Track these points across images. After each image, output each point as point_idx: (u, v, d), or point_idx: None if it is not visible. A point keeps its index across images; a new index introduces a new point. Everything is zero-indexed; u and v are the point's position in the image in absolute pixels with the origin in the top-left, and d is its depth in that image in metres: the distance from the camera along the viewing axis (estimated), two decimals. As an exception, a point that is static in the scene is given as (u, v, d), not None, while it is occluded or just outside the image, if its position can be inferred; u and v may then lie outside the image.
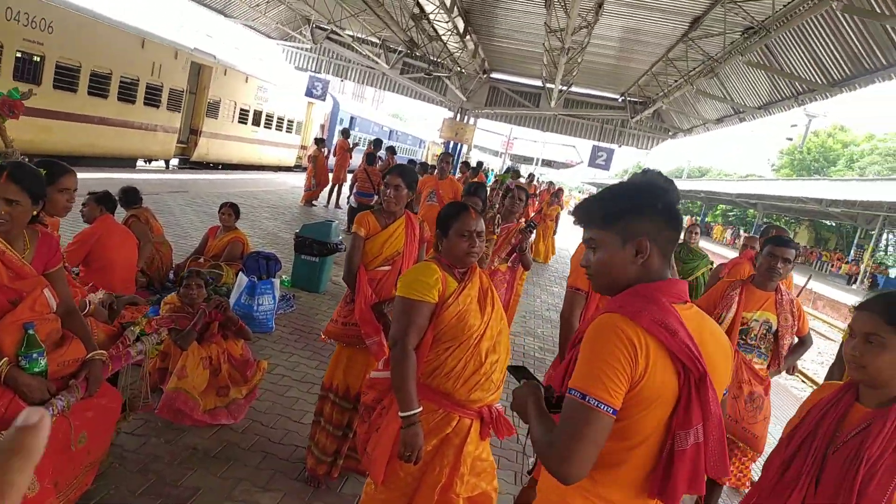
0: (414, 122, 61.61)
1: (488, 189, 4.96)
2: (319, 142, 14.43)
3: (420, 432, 2.17)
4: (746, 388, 3.41)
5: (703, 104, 15.26)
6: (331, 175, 14.06)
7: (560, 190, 16.25)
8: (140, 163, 15.66)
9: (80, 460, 2.38)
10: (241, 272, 5.36)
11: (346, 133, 14.49)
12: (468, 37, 13.60)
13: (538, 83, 17.87)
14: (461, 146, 19.59)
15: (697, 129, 16.61)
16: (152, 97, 14.38)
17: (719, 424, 1.44)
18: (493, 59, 17.53)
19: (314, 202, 14.18)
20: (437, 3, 10.49)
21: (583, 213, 1.58)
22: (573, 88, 17.72)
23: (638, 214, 1.50)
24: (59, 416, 2.19)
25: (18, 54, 10.80)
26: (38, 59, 11.19)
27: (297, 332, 5.54)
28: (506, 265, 4.93)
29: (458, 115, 19.16)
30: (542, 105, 18.63)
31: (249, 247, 6.15)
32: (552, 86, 15.43)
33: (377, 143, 12.86)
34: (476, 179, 13.66)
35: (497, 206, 4.67)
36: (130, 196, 5.79)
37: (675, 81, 13.25)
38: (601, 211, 1.54)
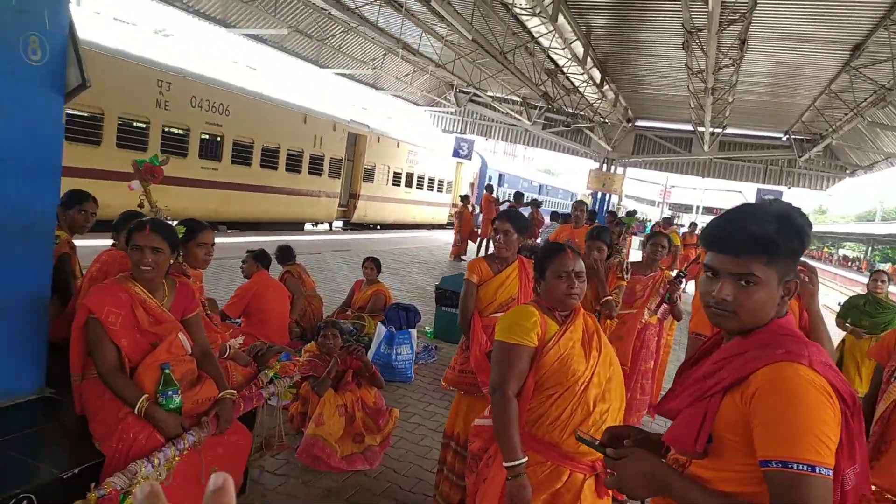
0: (565, 176, 61.64)
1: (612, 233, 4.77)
2: (465, 198, 14.88)
3: (527, 484, 2.04)
4: None
5: (883, 137, 13.62)
6: (478, 230, 14.42)
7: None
8: (307, 226, 17.14)
9: (210, 494, 2.54)
10: (381, 322, 5.56)
11: (489, 188, 14.84)
12: (606, 87, 13.45)
13: (688, 127, 17.10)
14: (608, 197, 19.14)
15: (879, 164, 14.80)
16: (315, 166, 15.80)
17: (866, 450, 1.36)
18: (636, 107, 17.14)
19: (462, 256, 14.52)
20: (570, 56, 10.52)
21: (743, 240, 1.34)
22: (729, 130, 16.74)
23: (799, 255, 1.38)
24: (191, 450, 2.37)
25: (204, 136, 12.47)
26: (219, 138, 12.82)
27: (436, 381, 5.58)
28: (655, 317, 4.65)
29: (605, 166, 18.81)
30: (694, 150, 17.75)
31: (391, 299, 6.39)
32: (703, 129, 14.68)
33: (517, 196, 12.99)
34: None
35: (623, 251, 4.48)
36: (285, 254, 6.32)
37: (844, 115, 12.00)
38: (772, 244, 1.33)
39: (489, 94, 17.09)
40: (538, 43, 10.42)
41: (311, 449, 3.41)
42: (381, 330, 5.33)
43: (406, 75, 17.30)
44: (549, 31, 9.49)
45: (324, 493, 3.34)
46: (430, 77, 17.91)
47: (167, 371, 2.42)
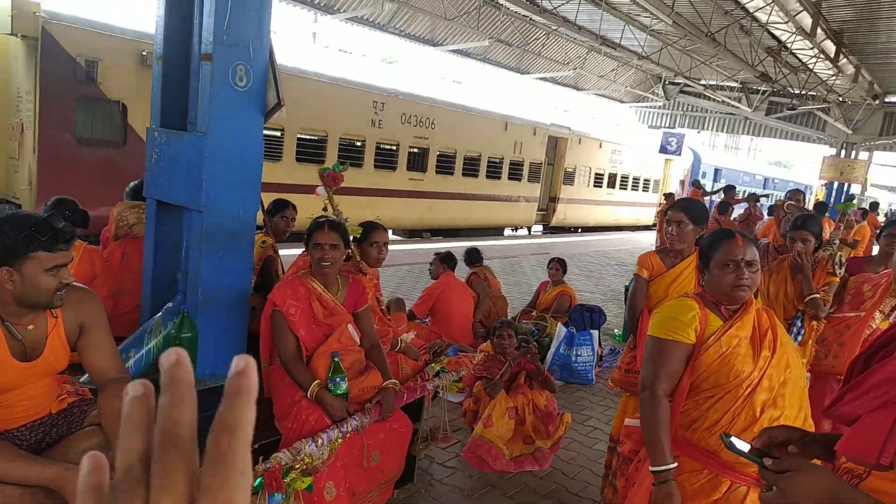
0: (800, 168, 54.70)
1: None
2: (668, 196, 13.95)
3: (675, 492, 1.87)
4: None
5: None
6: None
7: None
8: (507, 231, 17.49)
9: (374, 477, 2.72)
10: (562, 323, 5.48)
11: (697, 184, 13.72)
12: (843, 60, 11.69)
13: (959, 98, 14.18)
14: (848, 187, 16.59)
15: None
16: (515, 172, 16.05)
17: None
18: (884, 80, 14.62)
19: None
20: (794, 30, 9.34)
21: None
22: None
23: None
24: (354, 433, 2.56)
25: (412, 150, 13.39)
26: (424, 151, 13.66)
27: (619, 386, 5.34)
28: (887, 322, 3.95)
29: (844, 151, 16.36)
30: (965, 124, 14.66)
31: (576, 300, 6.25)
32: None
33: (728, 189, 11.83)
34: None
35: (836, 243, 3.80)
36: (473, 256, 6.52)
37: None
38: None
39: (703, 82, 15.88)
40: (755, 19, 9.45)
41: (476, 450, 3.46)
42: (560, 331, 5.24)
43: (610, 72, 16.82)
44: (768, 4, 8.55)
45: (487, 487, 3.38)
46: (635, 71, 17.23)
47: (336, 359, 2.65)
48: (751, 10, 8.90)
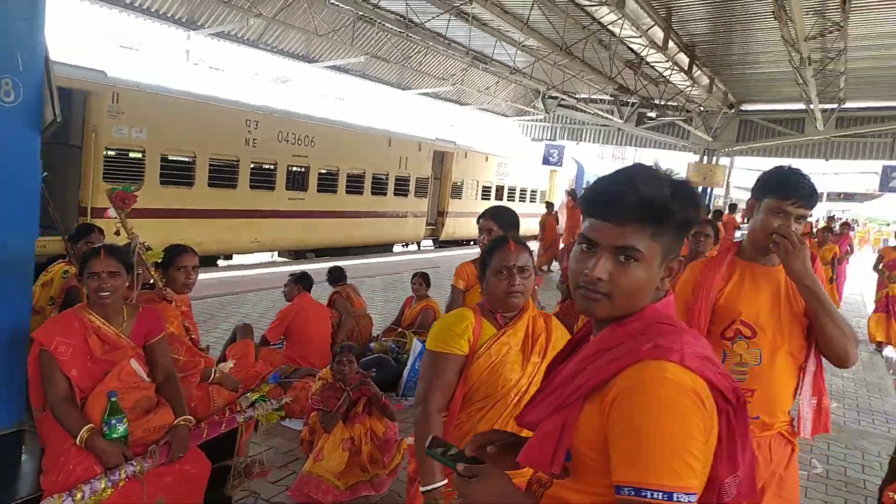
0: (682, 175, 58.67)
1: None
2: (549, 206, 14.39)
3: None
4: None
5: None
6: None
7: (844, 224, 13.36)
8: (397, 247, 17.38)
9: (160, 524, 2.46)
10: (417, 338, 5.38)
11: (572, 193, 14.27)
12: (697, 72, 12.53)
13: (800, 106, 15.55)
14: (711, 191, 17.82)
15: None
16: (401, 188, 16.00)
17: (753, 452, 1.18)
18: (737, 91, 15.85)
19: (544, 267, 13.89)
20: (646, 43, 9.88)
21: (631, 203, 1.07)
22: (848, 105, 15.04)
23: (687, 230, 1.18)
24: (131, 480, 2.30)
25: (293, 168, 13.02)
26: (305, 169, 13.32)
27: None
28: None
29: (706, 157, 17.57)
30: (807, 130, 16.11)
31: (441, 313, 6.19)
32: (814, 106, 13.27)
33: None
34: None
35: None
36: (335, 275, 6.33)
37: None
38: (665, 210, 1.08)
39: (579, 95, 16.55)
40: (611, 33, 9.90)
41: (304, 487, 3.21)
42: (416, 346, 5.14)
43: (490, 87, 17.18)
44: (619, 18, 8.97)
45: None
46: (515, 86, 17.69)
47: (113, 399, 2.38)
48: (605, 24, 9.32)
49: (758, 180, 2.15)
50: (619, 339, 1.09)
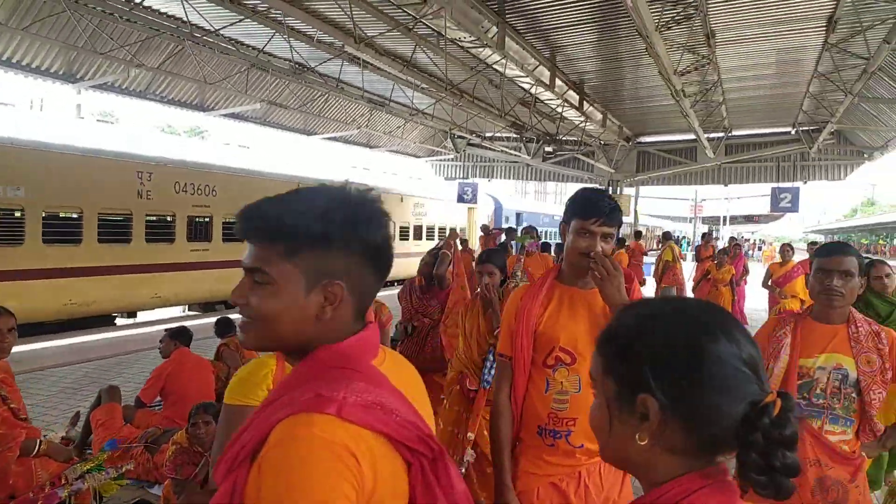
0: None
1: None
2: (464, 243, 14.45)
3: None
4: (814, 471, 2.19)
5: (889, 112, 12.74)
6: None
7: (736, 245, 14.06)
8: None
9: None
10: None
11: (485, 229, 14.41)
12: (589, 107, 13.06)
13: (692, 136, 16.50)
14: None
15: (893, 142, 13.82)
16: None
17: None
18: (631, 124, 16.64)
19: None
20: (533, 81, 10.22)
21: (251, 219, 1.03)
22: (735, 132, 16.07)
23: (342, 247, 1.02)
24: None
25: (194, 219, 12.57)
26: (208, 219, 12.89)
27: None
28: None
29: (610, 188, 18.26)
30: (700, 158, 17.04)
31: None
32: (700, 135, 14.07)
33: (509, 231, 12.53)
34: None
35: (518, 276, 3.98)
36: (222, 327, 6.04)
37: (841, 97, 11.28)
38: (282, 227, 1.00)
39: (487, 134, 16.90)
40: (500, 72, 10.18)
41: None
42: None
43: (397, 128, 17.32)
44: (503, 58, 9.24)
45: None
46: (423, 127, 17.90)
47: None
48: (490, 64, 9.57)
49: (566, 204, 2.17)
50: (290, 386, 0.98)
